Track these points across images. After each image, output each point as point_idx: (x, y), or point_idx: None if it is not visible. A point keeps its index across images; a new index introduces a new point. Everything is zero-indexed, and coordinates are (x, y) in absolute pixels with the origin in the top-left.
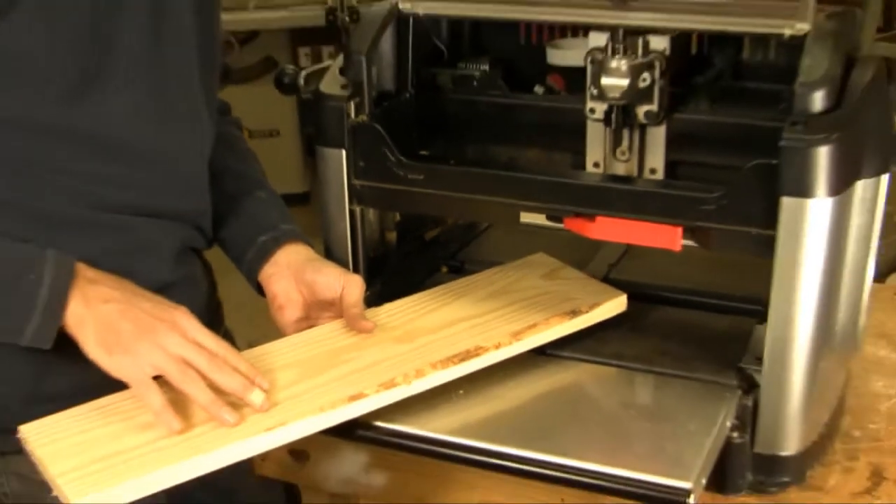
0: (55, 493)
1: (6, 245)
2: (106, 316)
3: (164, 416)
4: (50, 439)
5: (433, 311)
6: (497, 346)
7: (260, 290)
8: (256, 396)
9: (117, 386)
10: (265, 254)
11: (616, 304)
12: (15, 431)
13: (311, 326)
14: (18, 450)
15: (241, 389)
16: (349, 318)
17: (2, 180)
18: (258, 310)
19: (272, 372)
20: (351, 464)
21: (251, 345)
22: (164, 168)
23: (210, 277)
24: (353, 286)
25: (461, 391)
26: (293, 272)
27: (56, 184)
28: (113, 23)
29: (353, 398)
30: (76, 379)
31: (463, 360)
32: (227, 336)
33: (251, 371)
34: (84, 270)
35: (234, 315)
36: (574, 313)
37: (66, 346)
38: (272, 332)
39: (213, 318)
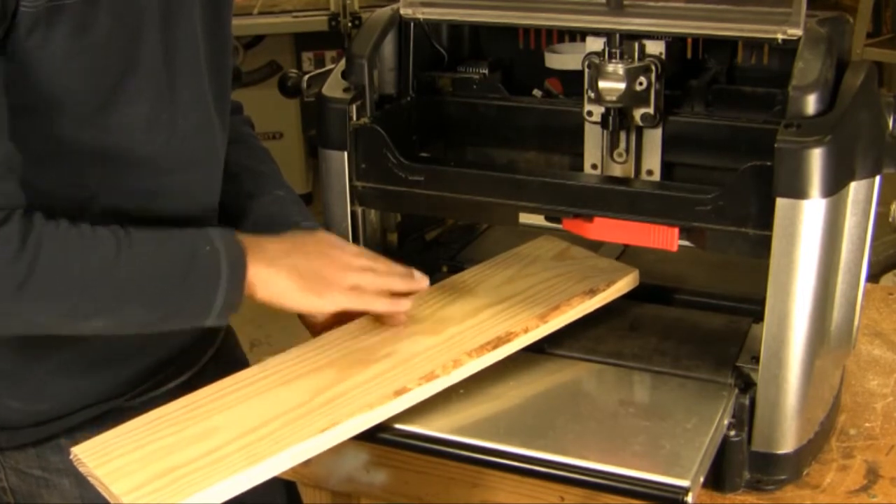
0: None
1: (169, 232)
2: (297, 267)
3: (396, 304)
4: (106, 458)
5: (454, 302)
6: (526, 331)
7: None
8: (422, 282)
9: (120, 383)
10: None
11: (630, 280)
12: (14, 428)
13: (337, 322)
14: (16, 445)
15: (409, 283)
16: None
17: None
18: (260, 309)
19: (313, 373)
20: (352, 462)
21: (253, 344)
22: (174, 176)
23: None
24: None
25: (461, 390)
26: None
27: (68, 195)
28: (131, 40)
29: (398, 393)
30: (80, 380)
31: (496, 346)
32: (230, 334)
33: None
34: (245, 239)
35: (237, 314)
36: (593, 292)
37: (70, 350)
38: (275, 330)
39: None
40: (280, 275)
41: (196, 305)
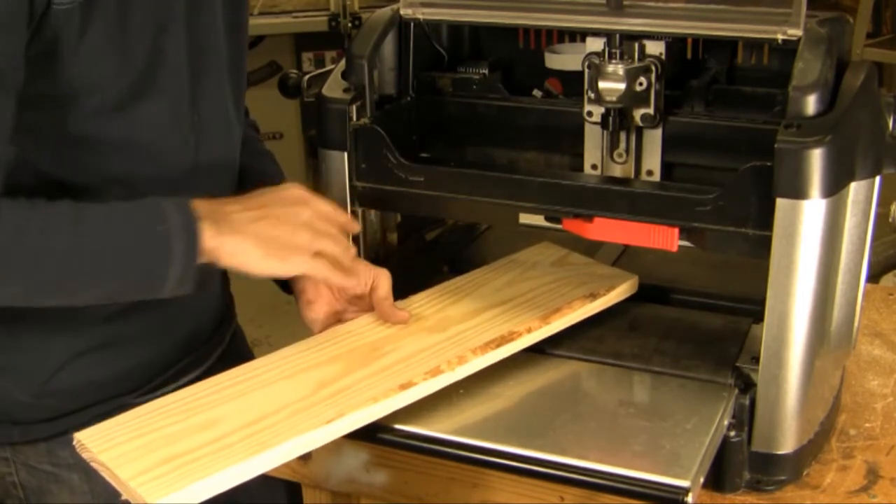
0: (126, 496)
1: (125, 205)
2: (261, 233)
3: (349, 280)
4: (111, 444)
5: (456, 302)
6: (529, 331)
7: (283, 286)
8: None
9: (127, 380)
10: None
11: (630, 286)
12: (26, 423)
13: (339, 320)
14: (27, 440)
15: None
16: (383, 310)
17: (29, 184)
18: (260, 309)
19: (317, 367)
20: (352, 463)
21: (254, 344)
22: (194, 172)
23: (224, 275)
24: (382, 279)
25: (461, 390)
26: None
27: (81, 190)
28: (159, 38)
29: (403, 387)
30: (88, 375)
31: (500, 345)
32: (238, 334)
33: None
34: (207, 207)
35: (237, 315)
36: (593, 296)
37: (81, 342)
38: (275, 330)
39: (225, 315)
40: (245, 242)
41: (148, 280)
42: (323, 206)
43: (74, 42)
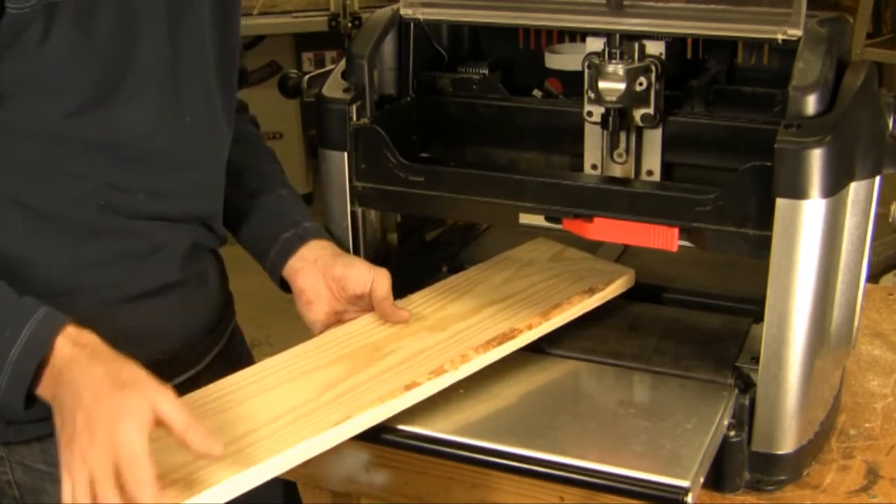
0: None
1: (3, 293)
2: (66, 406)
3: None
4: None
5: (455, 301)
6: (529, 327)
7: (283, 286)
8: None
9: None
10: (290, 250)
11: (627, 280)
12: (19, 422)
13: (339, 321)
14: (22, 440)
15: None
16: (383, 310)
17: (15, 182)
18: (260, 309)
19: (321, 369)
20: (352, 463)
21: (253, 344)
22: (178, 175)
23: (222, 273)
24: (382, 279)
25: (461, 390)
26: (321, 267)
27: (68, 188)
28: (132, 37)
29: (409, 387)
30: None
31: (501, 342)
32: (236, 334)
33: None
34: (61, 349)
35: (238, 312)
36: (592, 291)
37: None
38: (275, 331)
39: (223, 313)
40: (56, 407)
41: None
42: (125, 447)
43: (38, 42)
